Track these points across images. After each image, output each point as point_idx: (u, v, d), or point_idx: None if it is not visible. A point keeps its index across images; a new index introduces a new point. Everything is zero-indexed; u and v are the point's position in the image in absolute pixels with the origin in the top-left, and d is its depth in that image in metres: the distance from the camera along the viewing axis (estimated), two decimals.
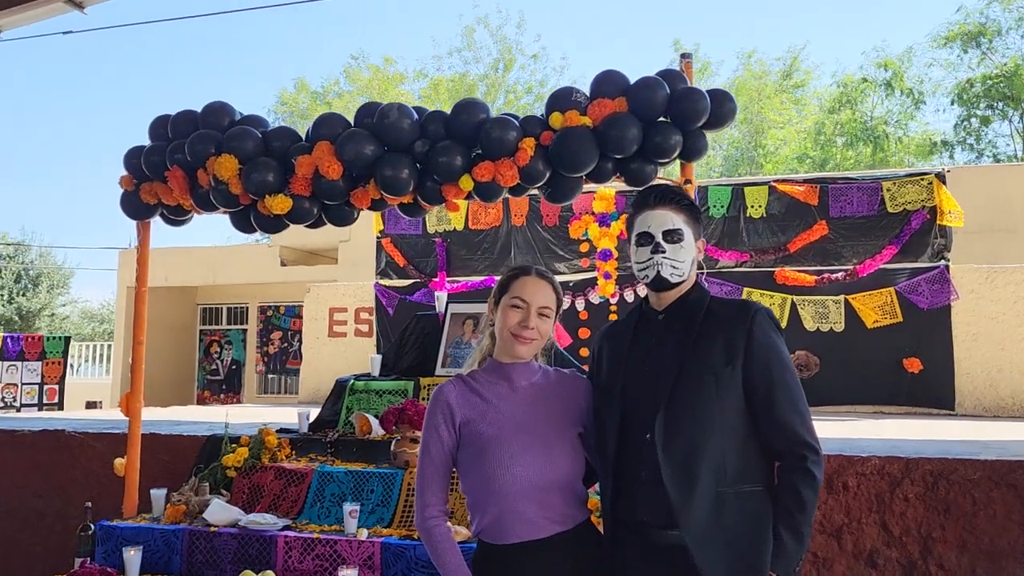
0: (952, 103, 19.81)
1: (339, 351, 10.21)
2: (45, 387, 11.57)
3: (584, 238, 9.13)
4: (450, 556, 2.08)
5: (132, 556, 3.75)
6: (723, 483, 2.00)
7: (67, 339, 11.98)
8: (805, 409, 2.07)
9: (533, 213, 9.46)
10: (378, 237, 10.06)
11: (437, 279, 9.76)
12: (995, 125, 20.16)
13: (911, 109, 20.78)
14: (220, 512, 3.98)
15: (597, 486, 2.28)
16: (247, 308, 14.92)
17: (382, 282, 10.00)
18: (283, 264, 13.37)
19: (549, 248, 9.27)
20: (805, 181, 9.06)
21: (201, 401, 14.54)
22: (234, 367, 14.97)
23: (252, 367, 14.73)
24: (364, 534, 3.76)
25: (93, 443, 5.15)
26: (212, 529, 3.93)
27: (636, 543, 2.09)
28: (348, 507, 3.85)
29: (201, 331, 15.21)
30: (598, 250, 8.98)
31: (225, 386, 14.93)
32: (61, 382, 11.67)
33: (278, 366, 14.64)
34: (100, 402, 13.95)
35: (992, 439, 4.93)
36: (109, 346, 18.52)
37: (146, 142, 4.34)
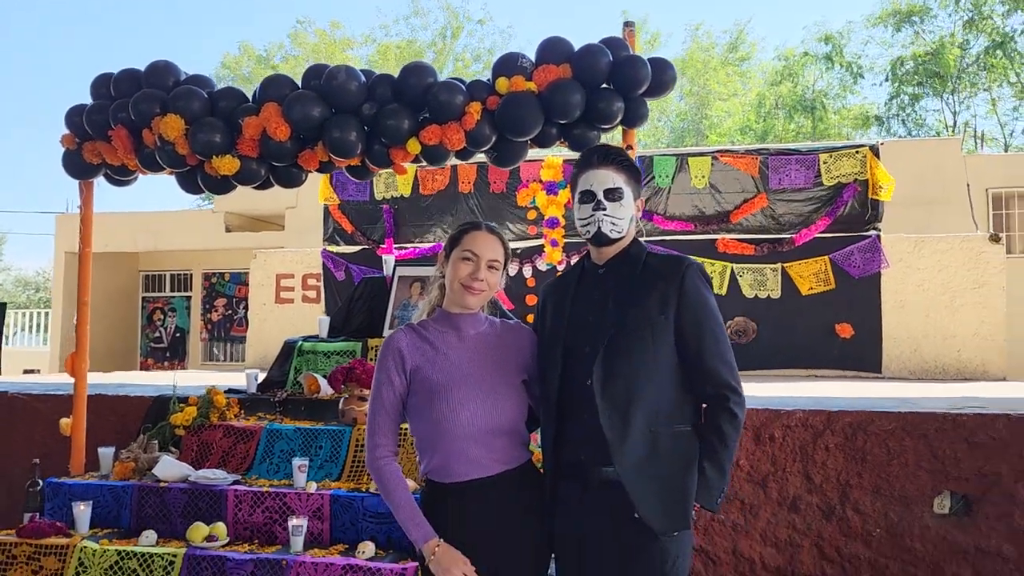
0: (886, 79, 20.47)
1: (286, 317, 10.18)
2: None
3: (532, 206, 9.25)
4: (399, 492, 2.20)
5: (82, 511, 3.79)
6: (656, 423, 2.16)
7: (3, 305, 11.64)
8: (730, 356, 2.24)
9: (481, 180, 9.52)
10: (325, 204, 10.01)
11: (384, 245, 9.78)
12: (925, 101, 20.94)
13: (850, 83, 21.40)
14: (170, 468, 4.04)
15: (539, 439, 2.41)
16: (191, 275, 14.69)
17: (330, 248, 9.98)
18: (228, 230, 13.17)
19: (497, 215, 9.34)
20: (747, 152, 9.31)
21: (144, 369, 14.33)
22: (178, 334, 14.76)
23: (196, 334, 14.54)
24: (313, 487, 3.86)
25: (37, 405, 5.12)
26: (162, 484, 3.98)
27: (575, 481, 2.24)
28: (297, 462, 3.94)
29: (144, 298, 14.93)
30: (545, 218, 9.11)
31: (169, 353, 14.73)
32: None
33: (222, 333, 14.49)
34: (39, 370, 13.66)
35: (909, 396, 5.24)
36: (45, 314, 18.05)
37: (84, 100, 4.30)
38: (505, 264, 2.37)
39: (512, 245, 9.23)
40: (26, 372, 13.49)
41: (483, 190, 9.51)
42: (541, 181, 9.14)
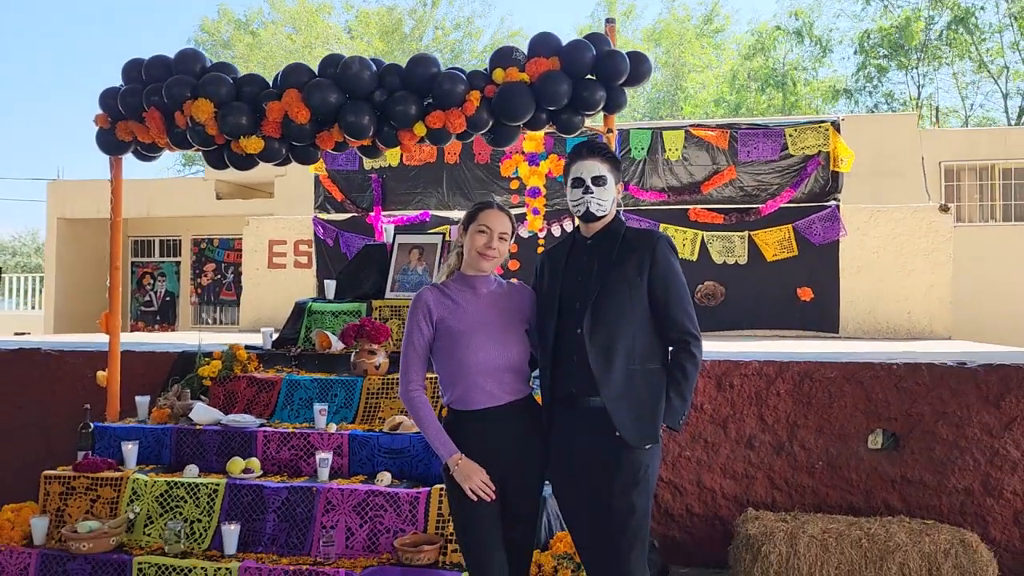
0: (855, 52, 21.12)
1: (278, 281, 10.64)
2: None
3: (514, 176, 9.71)
4: (429, 416, 2.77)
5: (130, 449, 4.33)
6: (632, 362, 2.73)
7: None
8: (691, 309, 2.80)
9: (466, 151, 9.95)
10: (316, 173, 10.42)
11: (373, 213, 10.24)
12: (891, 74, 21.63)
13: (819, 56, 22.00)
14: (204, 413, 4.58)
15: (537, 386, 2.97)
16: (180, 241, 15.05)
17: (321, 216, 10.42)
18: (219, 197, 13.53)
19: (481, 185, 9.82)
20: (717, 127, 9.85)
21: (135, 331, 14.72)
22: (168, 298, 15.16)
23: (186, 298, 14.95)
24: (333, 428, 4.42)
25: (70, 360, 5.60)
26: (197, 427, 4.52)
27: (568, 408, 2.81)
28: (318, 407, 4.49)
29: (133, 263, 15.28)
30: (527, 187, 9.60)
31: (159, 317, 15.13)
32: None
33: (212, 297, 14.90)
34: (29, 333, 14.00)
35: (853, 350, 5.88)
36: (25, 278, 18.28)
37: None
38: (512, 235, 2.92)
39: None
40: (17, 335, 13.86)
41: (468, 161, 9.96)
42: (524, 153, 9.57)
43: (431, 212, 10.02)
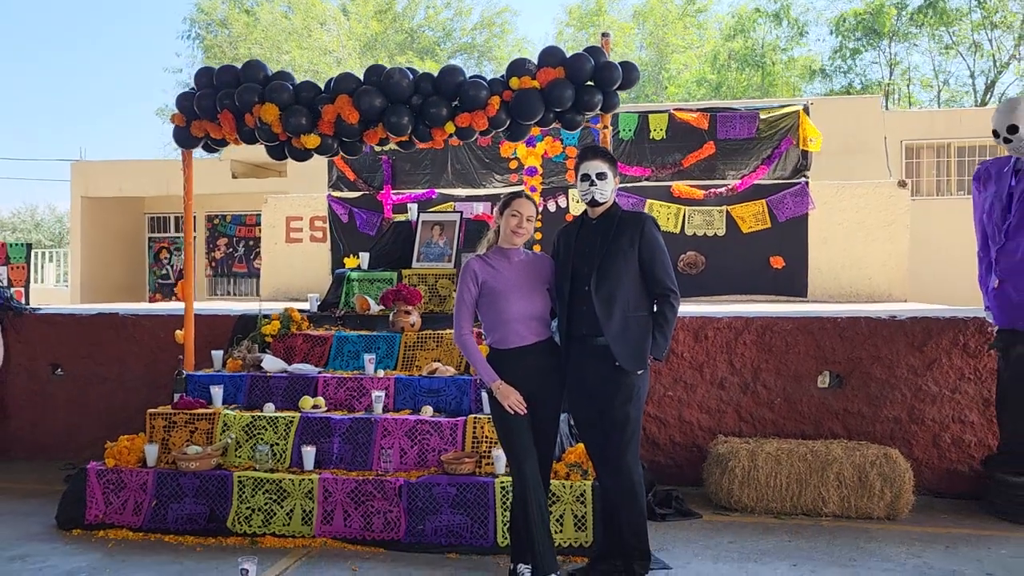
0: (830, 33, 22.07)
1: (296, 255, 11.53)
2: (11, 290, 12.47)
3: (513, 156, 10.63)
4: (477, 353, 3.74)
5: (217, 391, 5.29)
6: (627, 310, 3.71)
7: (29, 245, 12.83)
8: (671, 270, 3.78)
9: None
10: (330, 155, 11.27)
11: (384, 191, 11.13)
12: (865, 55, 22.62)
13: (796, 37, 22.90)
14: (273, 363, 5.54)
15: (556, 329, 3.94)
16: (194, 217, 15.88)
17: (334, 194, 11.29)
18: (234, 177, 14.36)
19: (483, 165, 10.73)
20: (698, 110, 10.79)
21: (152, 302, 15.61)
22: (183, 271, 16.07)
23: (202, 271, 15.84)
24: (381, 373, 5.40)
25: (144, 323, 6.54)
26: (267, 374, 5.48)
27: (579, 346, 3.80)
28: (367, 356, 5.47)
29: (150, 238, 16.12)
30: (525, 167, 10.52)
31: (176, 288, 16.02)
32: (26, 286, 12.56)
33: (225, 269, 15.79)
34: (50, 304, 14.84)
35: (808, 309, 6.91)
36: (45, 254, 19.08)
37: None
38: (536, 217, 3.88)
39: (496, 191, 10.69)
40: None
41: (471, 143, 10.83)
42: None
43: (437, 190, 10.90)
